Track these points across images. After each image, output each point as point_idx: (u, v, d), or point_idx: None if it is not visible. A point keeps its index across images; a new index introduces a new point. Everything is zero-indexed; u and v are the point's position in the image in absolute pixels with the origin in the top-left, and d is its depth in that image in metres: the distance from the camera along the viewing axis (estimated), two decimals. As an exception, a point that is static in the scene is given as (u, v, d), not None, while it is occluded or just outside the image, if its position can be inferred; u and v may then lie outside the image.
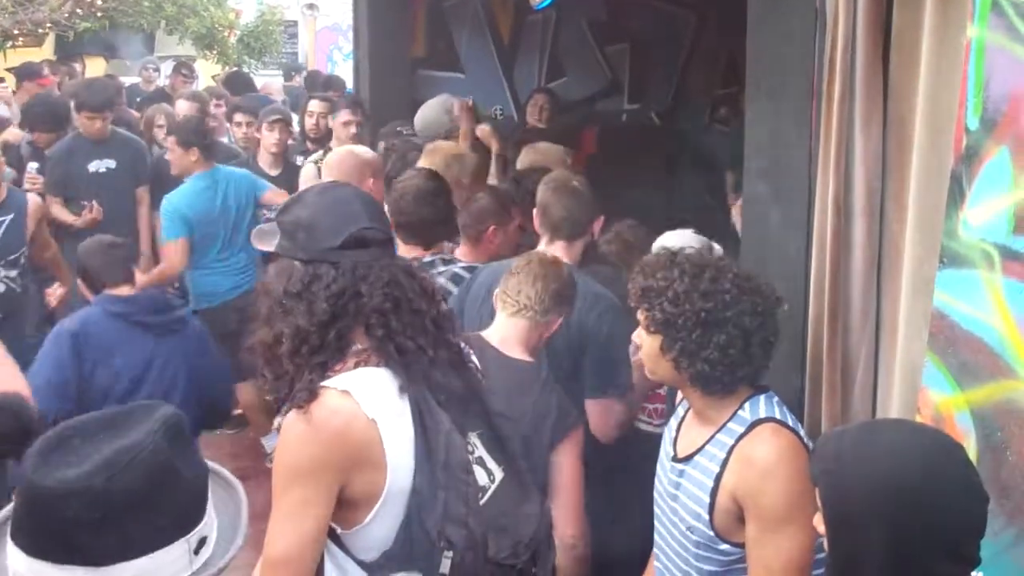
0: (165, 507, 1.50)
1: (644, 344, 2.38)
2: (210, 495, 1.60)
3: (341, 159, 4.78)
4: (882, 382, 2.45)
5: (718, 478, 2.25)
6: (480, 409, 2.24)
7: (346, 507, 1.98)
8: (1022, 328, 2.04)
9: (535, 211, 3.47)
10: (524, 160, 4.89)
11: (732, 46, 7.50)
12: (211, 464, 1.69)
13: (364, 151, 4.97)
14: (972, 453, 2.06)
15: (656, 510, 2.51)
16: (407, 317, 2.09)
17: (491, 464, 2.19)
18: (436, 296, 2.18)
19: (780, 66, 2.80)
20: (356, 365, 2.06)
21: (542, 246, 3.42)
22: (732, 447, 2.26)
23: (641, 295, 2.34)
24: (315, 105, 6.76)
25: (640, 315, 2.37)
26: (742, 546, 2.24)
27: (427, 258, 3.66)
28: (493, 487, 2.17)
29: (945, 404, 2.19)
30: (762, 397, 2.31)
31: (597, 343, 3.17)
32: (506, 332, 2.84)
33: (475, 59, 8.51)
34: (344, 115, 6.13)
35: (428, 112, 5.83)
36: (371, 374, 2.04)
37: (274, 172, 6.27)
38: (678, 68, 8.19)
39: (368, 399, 1.98)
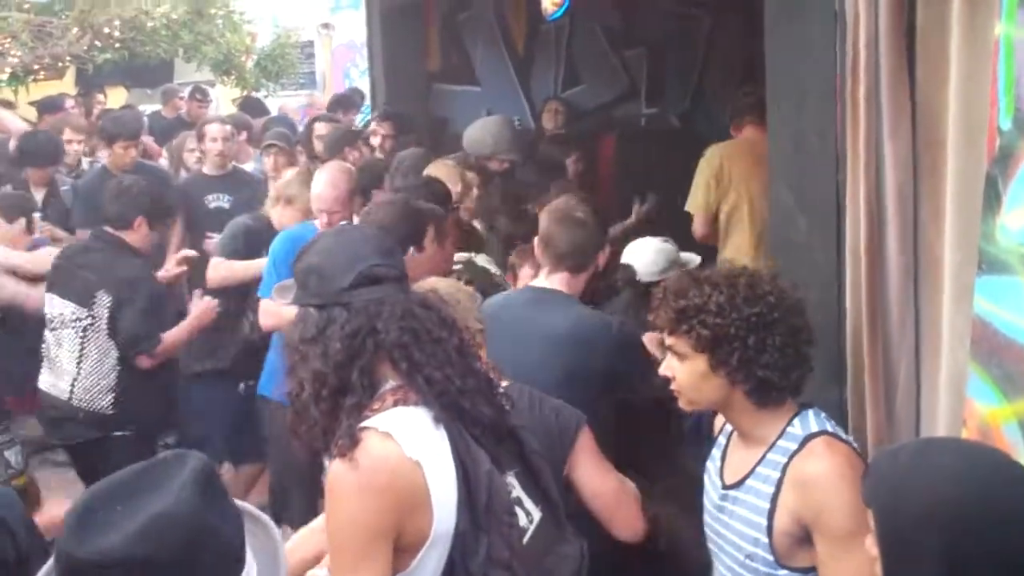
0: (206, 566, 1.47)
1: (681, 371, 2.30)
2: (247, 537, 1.56)
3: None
4: (925, 393, 2.37)
5: (774, 499, 2.19)
6: (515, 446, 2.20)
7: (396, 554, 1.95)
8: (1068, 335, 1.96)
9: (536, 241, 3.36)
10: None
11: (749, 47, 7.45)
12: (242, 505, 1.66)
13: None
14: (1023, 466, 1.98)
15: (711, 546, 2.44)
16: (429, 348, 2.05)
17: (528, 504, 2.15)
18: (456, 326, 2.14)
19: (800, 71, 2.73)
20: (396, 403, 2.02)
21: (541, 277, 3.33)
22: (786, 465, 2.20)
23: (677, 318, 2.26)
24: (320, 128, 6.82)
25: (675, 340, 2.29)
26: (804, 571, 2.18)
27: None
28: (532, 528, 2.12)
29: (992, 416, 2.11)
30: (810, 412, 2.27)
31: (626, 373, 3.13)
32: None
33: (490, 71, 8.49)
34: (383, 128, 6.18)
35: (475, 132, 5.84)
36: (409, 413, 2.00)
37: None
38: (696, 71, 8.11)
39: (409, 440, 1.94)
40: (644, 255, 4.04)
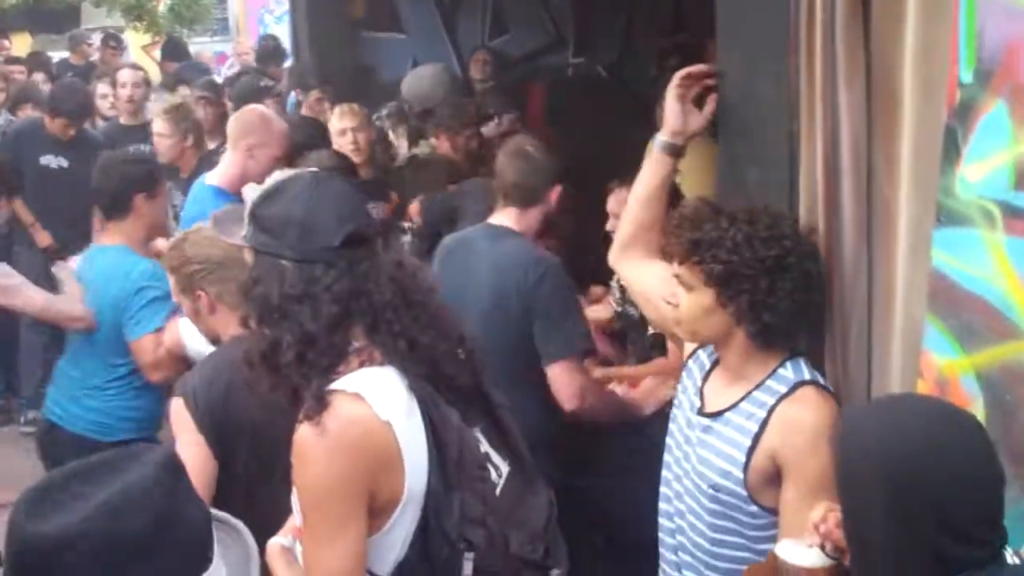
0: (169, 553, 1.37)
1: (687, 301, 2.29)
2: (216, 545, 1.48)
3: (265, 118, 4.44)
4: (877, 346, 2.37)
5: (756, 436, 2.20)
6: (482, 403, 2.17)
7: (370, 516, 1.90)
8: (1027, 287, 1.97)
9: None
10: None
11: (678, -4, 7.41)
12: (214, 511, 1.57)
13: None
14: (980, 418, 1.99)
15: (668, 466, 2.44)
16: (412, 311, 2.02)
17: (496, 459, 2.12)
18: (433, 288, 2.11)
19: (753, 20, 2.69)
20: (361, 364, 1.96)
21: (495, 215, 3.35)
22: (773, 407, 2.21)
23: (691, 248, 2.24)
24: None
25: (685, 270, 2.27)
26: (768, 511, 2.20)
27: None
28: (501, 482, 2.10)
29: (949, 367, 2.12)
30: (801, 360, 2.29)
31: (543, 308, 3.18)
32: None
33: (416, 18, 8.33)
34: (315, 93, 6.08)
35: (420, 84, 5.76)
36: (379, 374, 1.96)
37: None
38: (624, 18, 8.04)
39: (380, 401, 1.90)
40: None
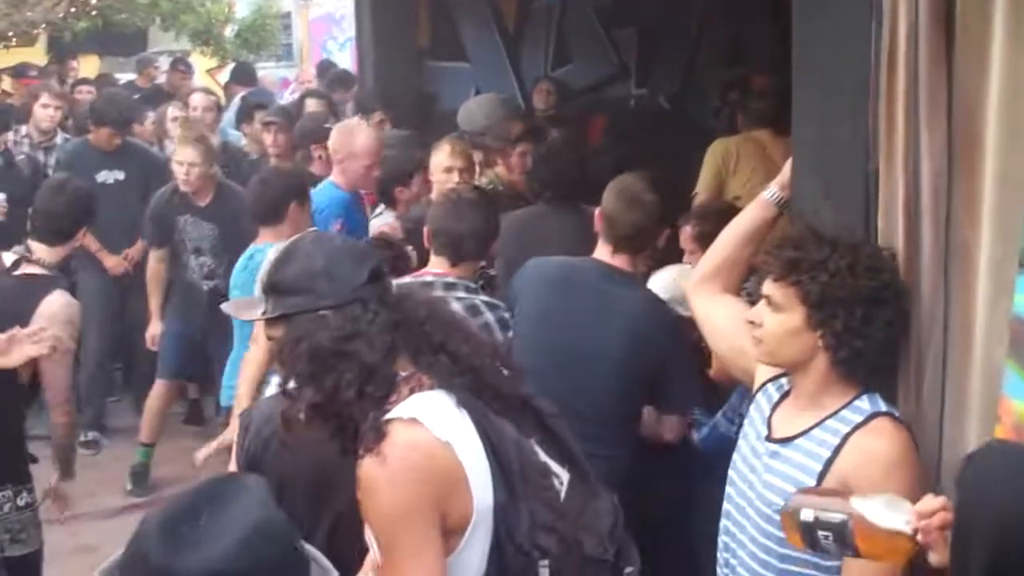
0: None
1: (772, 321, 2.31)
2: None
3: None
4: (953, 388, 2.35)
5: (829, 462, 2.20)
6: (532, 415, 2.19)
7: (443, 537, 1.92)
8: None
9: (597, 215, 3.36)
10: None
11: (740, 27, 7.42)
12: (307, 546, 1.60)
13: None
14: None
15: (730, 498, 2.43)
16: (446, 327, 2.09)
17: (556, 468, 2.14)
18: (451, 308, 2.22)
19: (832, 61, 2.69)
20: (411, 392, 1.99)
21: (607, 254, 3.35)
22: (848, 435, 2.21)
23: (790, 267, 2.26)
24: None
25: (779, 289, 2.29)
26: None
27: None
28: (564, 489, 2.12)
29: (1030, 414, 2.10)
30: (877, 394, 2.28)
31: (673, 361, 3.24)
32: None
33: (480, 48, 8.40)
34: (377, 116, 6.17)
35: (470, 111, 5.82)
36: (429, 397, 1.98)
37: None
38: (686, 52, 8.06)
39: (436, 423, 1.92)
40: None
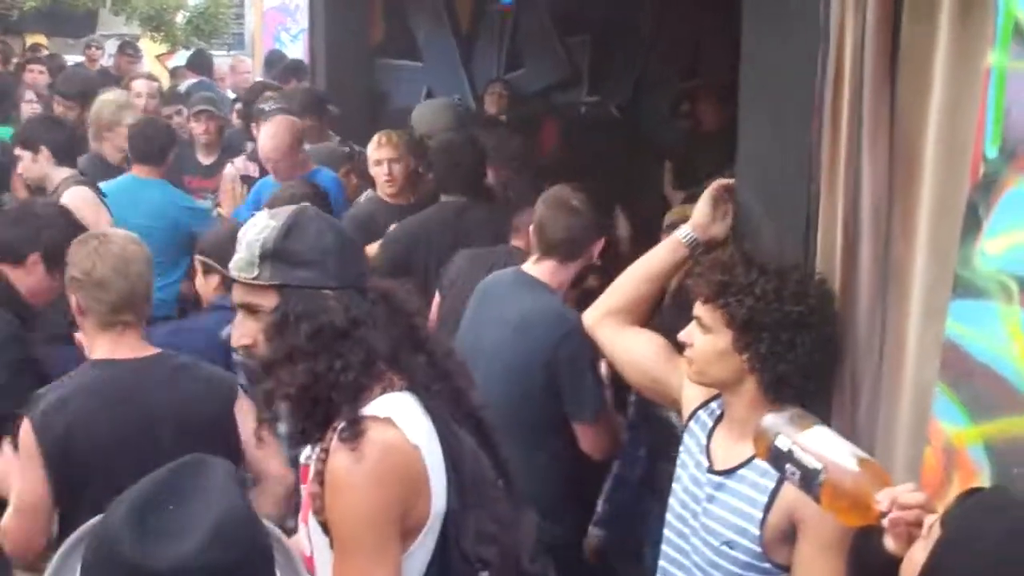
0: (259, 570, 1.39)
1: (702, 342, 2.32)
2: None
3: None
4: (885, 408, 2.39)
5: (774, 493, 2.21)
6: (477, 424, 2.18)
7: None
8: (1041, 362, 1.99)
9: (531, 227, 3.37)
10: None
11: (694, 40, 7.48)
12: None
13: None
14: (987, 489, 2.00)
15: (670, 525, 2.44)
16: (421, 328, 2.10)
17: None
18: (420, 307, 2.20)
19: (778, 81, 2.72)
20: (383, 391, 1.97)
21: (530, 263, 3.33)
22: None
23: (719, 289, 2.29)
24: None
25: (708, 311, 2.31)
26: (780, 568, 2.21)
27: None
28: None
29: (958, 437, 2.13)
30: None
31: (568, 368, 3.17)
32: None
33: (433, 48, 8.39)
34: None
35: (423, 113, 5.81)
36: (400, 399, 1.96)
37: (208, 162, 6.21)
38: (640, 59, 8.11)
39: (408, 425, 1.91)
40: None
